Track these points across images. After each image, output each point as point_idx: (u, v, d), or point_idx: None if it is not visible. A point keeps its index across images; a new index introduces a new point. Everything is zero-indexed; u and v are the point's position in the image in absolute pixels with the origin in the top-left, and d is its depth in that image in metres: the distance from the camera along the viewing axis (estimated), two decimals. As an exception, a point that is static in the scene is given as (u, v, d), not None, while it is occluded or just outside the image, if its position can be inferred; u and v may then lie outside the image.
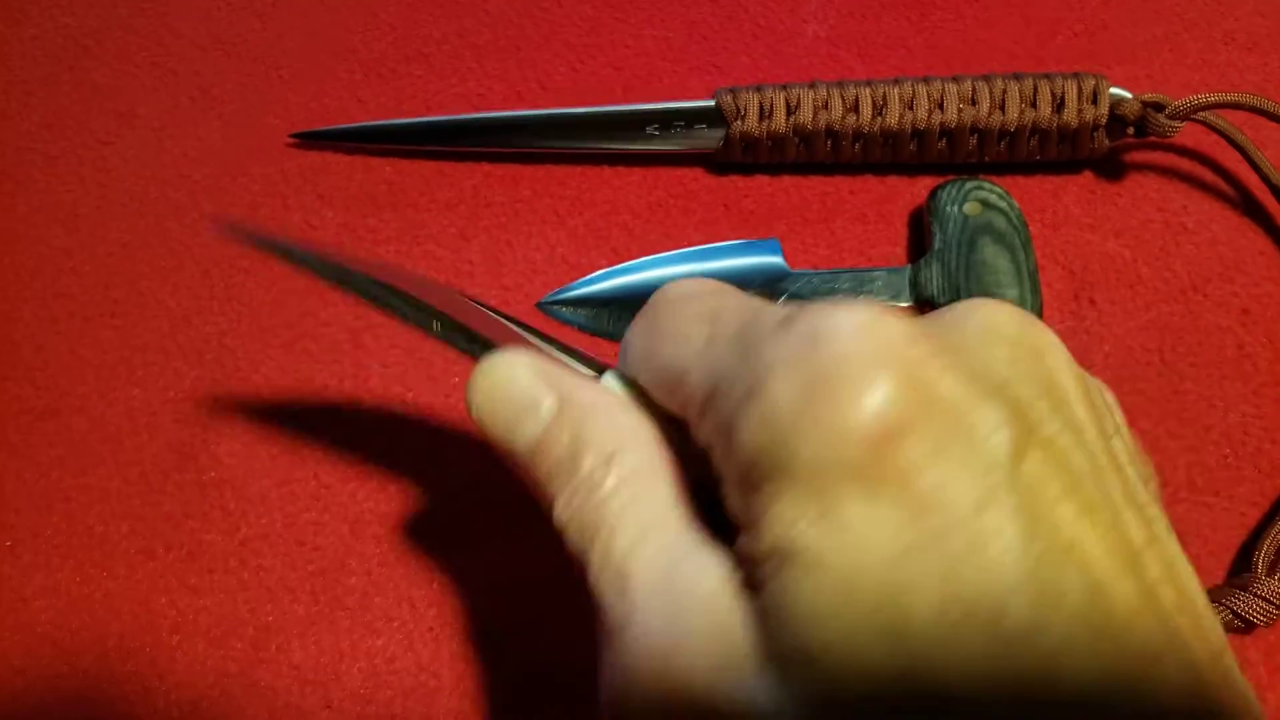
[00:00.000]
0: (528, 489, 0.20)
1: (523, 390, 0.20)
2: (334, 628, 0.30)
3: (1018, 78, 0.35)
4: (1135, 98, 0.34)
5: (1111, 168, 0.36)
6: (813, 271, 0.34)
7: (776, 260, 0.34)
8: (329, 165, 0.37)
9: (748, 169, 0.37)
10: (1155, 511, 0.17)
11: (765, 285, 0.34)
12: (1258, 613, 0.27)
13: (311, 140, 0.38)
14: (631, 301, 0.34)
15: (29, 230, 0.37)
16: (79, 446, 0.33)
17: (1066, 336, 0.33)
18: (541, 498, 0.20)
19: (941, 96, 0.34)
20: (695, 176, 0.37)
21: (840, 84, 0.35)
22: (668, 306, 0.20)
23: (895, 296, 0.33)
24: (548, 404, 0.20)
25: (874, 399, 0.14)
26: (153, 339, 0.34)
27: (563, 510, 0.19)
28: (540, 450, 0.19)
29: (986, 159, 0.36)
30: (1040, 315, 0.32)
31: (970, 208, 0.33)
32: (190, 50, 0.40)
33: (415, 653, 0.30)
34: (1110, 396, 0.20)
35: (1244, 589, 0.28)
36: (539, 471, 0.19)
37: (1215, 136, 0.35)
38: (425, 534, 0.31)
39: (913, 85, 0.35)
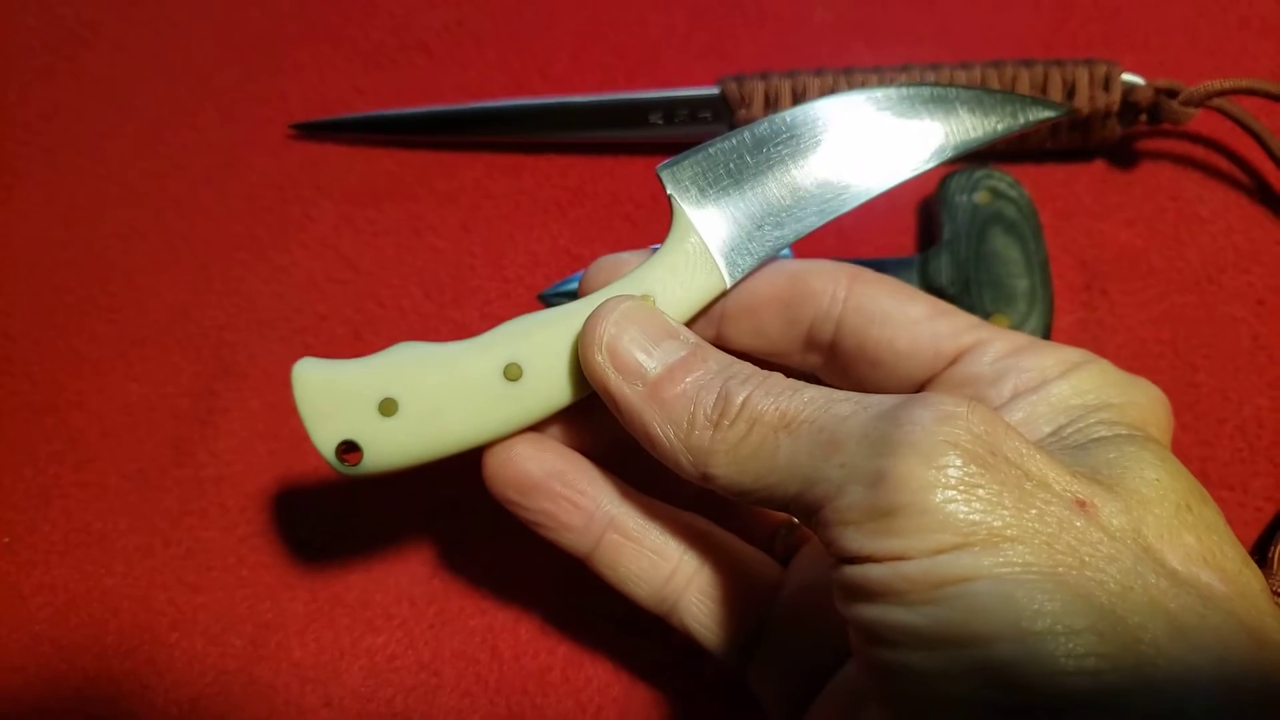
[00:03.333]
0: (626, 409, 0.21)
1: (659, 323, 0.22)
2: (334, 625, 0.30)
3: (1028, 64, 0.34)
4: (1148, 84, 0.34)
5: (1124, 155, 0.36)
6: (819, 262, 0.33)
7: (782, 251, 0.33)
8: (328, 156, 0.37)
9: (753, 158, 0.36)
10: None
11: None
12: (1274, 609, 0.27)
13: (310, 131, 0.37)
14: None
15: (25, 223, 0.36)
16: (76, 442, 0.32)
17: (1078, 328, 0.33)
18: (666, 411, 0.20)
19: (950, 83, 0.34)
20: (699, 166, 0.36)
21: (847, 71, 0.34)
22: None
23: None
24: (685, 333, 0.22)
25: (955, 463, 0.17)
26: (150, 333, 0.34)
27: (752, 395, 0.20)
28: (686, 365, 0.21)
29: (997, 147, 0.35)
30: (1051, 306, 0.32)
31: (980, 197, 0.33)
32: (188, 41, 0.39)
33: (416, 650, 0.29)
34: None
35: (1260, 585, 0.27)
36: (677, 387, 0.21)
37: (1230, 123, 0.34)
38: (426, 531, 0.31)
39: (920, 72, 0.34)
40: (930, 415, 0.17)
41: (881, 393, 0.23)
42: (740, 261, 0.23)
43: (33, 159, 0.37)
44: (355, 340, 0.34)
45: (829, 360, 0.24)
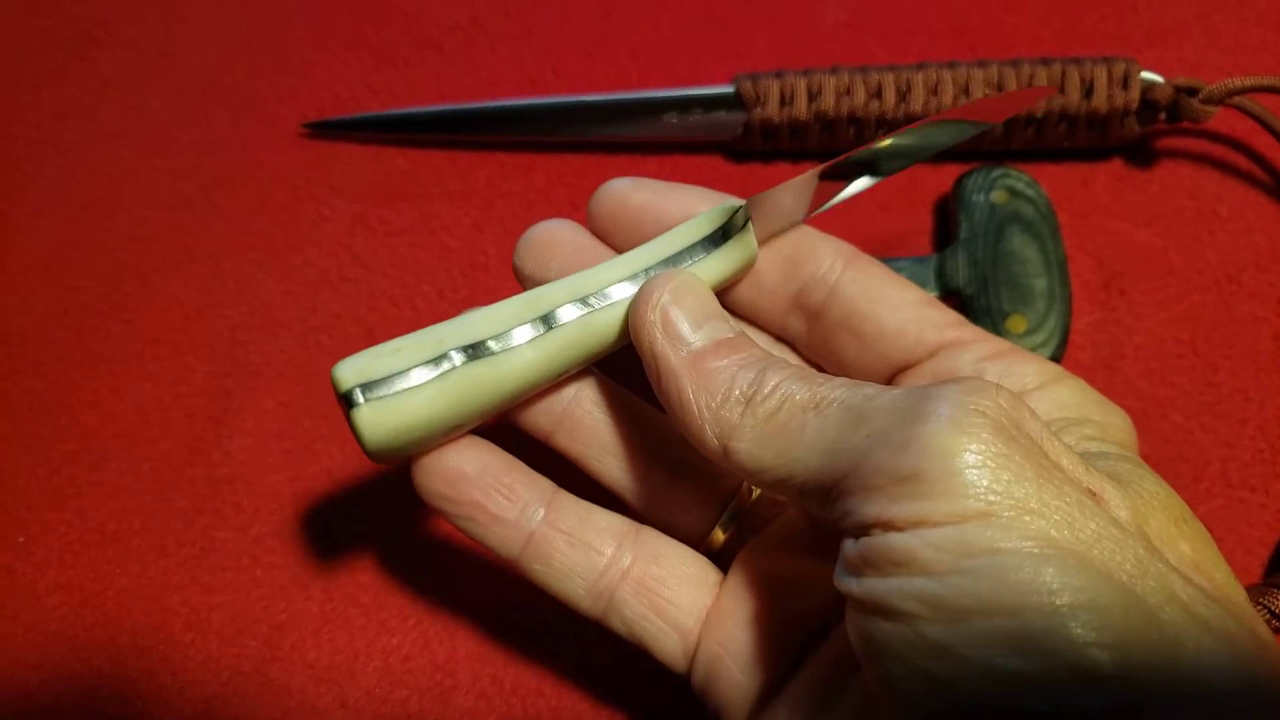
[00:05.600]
0: (669, 387, 0.21)
1: (711, 303, 0.22)
2: (348, 626, 0.30)
3: (1045, 62, 0.34)
4: (1167, 82, 0.33)
5: (1142, 154, 0.35)
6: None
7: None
8: (340, 155, 0.37)
9: (768, 156, 0.36)
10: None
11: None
12: (1297, 613, 0.27)
13: (323, 130, 0.37)
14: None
15: (39, 223, 0.36)
16: (90, 442, 0.32)
17: (1096, 329, 0.32)
18: (704, 380, 0.21)
19: (967, 82, 0.34)
20: (714, 164, 0.36)
21: (863, 69, 0.34)
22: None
23: (921, 287, 0.32)
24: (731, 320, 0.22)
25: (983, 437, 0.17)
26: (164, 333, 0.34)
27: (786, 379, 0.20)
28: (731, 345, 0.21)
29: (1014, 146, 0.35)
30: (1069, 306, 0.31)
31: (997, 196, 0.33)
32: (200, 40, 0.39)
33: (431, 651, 0.29)
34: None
35: (1282, 588, 0.27)
36: (719, 361, 0.21)
37: (1250, 121, 0.34)
38: (441, 531, 0.31)
39: (937, 70, 0.34)
40: (959, 388, 0.18)
41: (857, 374, 0.24)
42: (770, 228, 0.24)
43: (45, 159, 0.37)
44: (368, 340, 0.33)
45: (811, 325, 0.25)
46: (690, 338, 0.21)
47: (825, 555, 0.24)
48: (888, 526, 0.17)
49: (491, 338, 0.22)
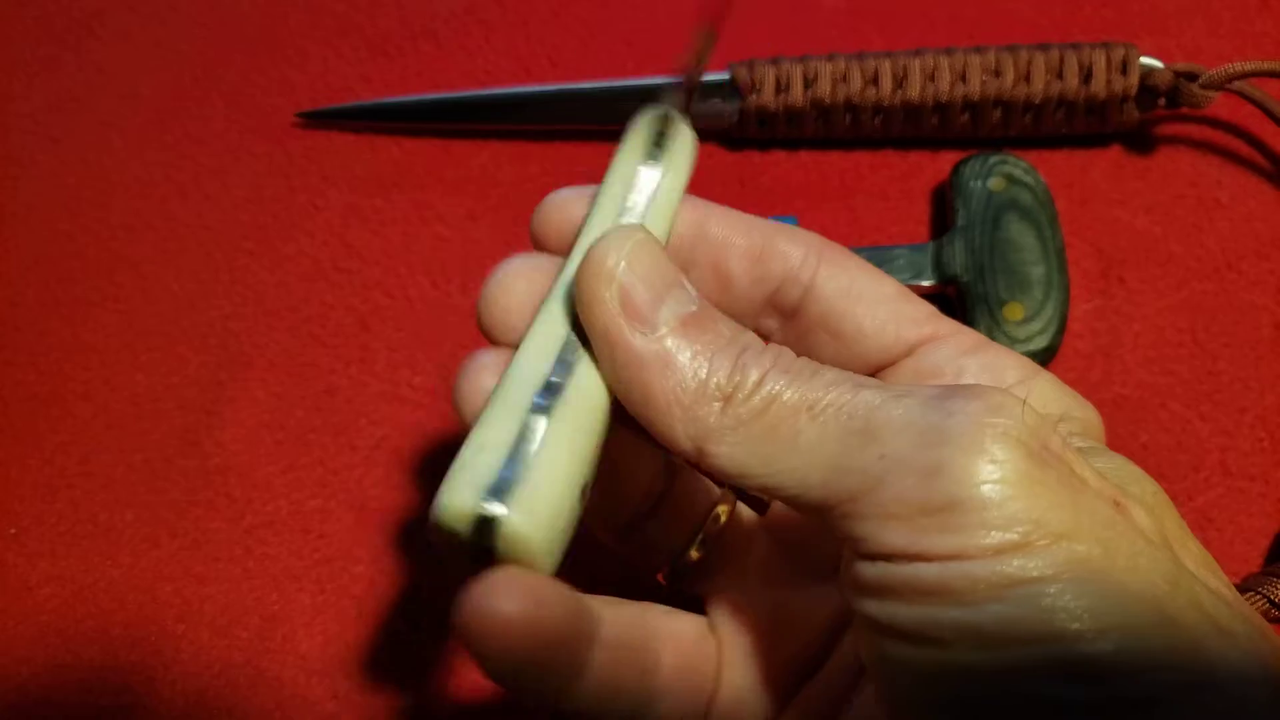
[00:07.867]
0: (628, 372, 0.19)
1: (670, 269, 0.19)
2: (341, 617, 0.29)
3: (1044, 48, 0.33)
4: (1167, 67, 0.33)
5: (1141, 141, 0.35)
6: (831, 250, 0.33)
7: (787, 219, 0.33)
8: (334, 145, 0.37)
9: (764, 144, 0.36)
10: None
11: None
12: (1297, 602, 0.26)
13: (316, 119, 0.37)
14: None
15: (31, 214, 0.36)
16: (82, 433, 0.32)
17: (1095, 316, 0.32)
18: (675, 372, 0.18)
19: (964, 68, 0.33)
20: (709, 152, 0.36)
21: (859, 56, 0.34)
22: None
23: (917, 275, 0.32)
24: (689, 285, 0.19)
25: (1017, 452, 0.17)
26: (156, 323, 0.34)
27: (769, 373, 0.18)
28: (698, 323, 0.19)
29: (1011, 133, 0.34)
30: (1067, 294, 0.31)
31: (995, 183, 0.32)
32: (193, 29, 0.39)
33: (422, 643, 0.29)
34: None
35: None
36: (693, 338, 0.19)
37: (1250, 107, 0.34)
38: (433, 521, 0.30)
39: (934, 57, 0.33)
40: (982, 406, 0.17)
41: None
42: None
43: (38, 150, 0.37)
44: (362, 330, 0.33)
45: (786, 325, 0.23)
46: (652, 317, 0.19)
47: (804, 583, 0.23)
48: (916, 559, 0.16)
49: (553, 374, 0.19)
